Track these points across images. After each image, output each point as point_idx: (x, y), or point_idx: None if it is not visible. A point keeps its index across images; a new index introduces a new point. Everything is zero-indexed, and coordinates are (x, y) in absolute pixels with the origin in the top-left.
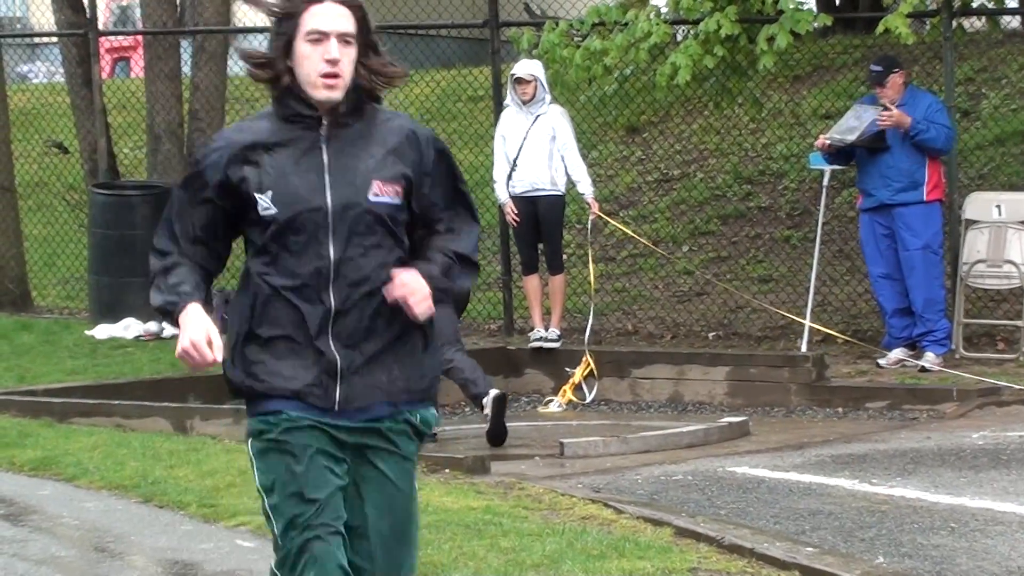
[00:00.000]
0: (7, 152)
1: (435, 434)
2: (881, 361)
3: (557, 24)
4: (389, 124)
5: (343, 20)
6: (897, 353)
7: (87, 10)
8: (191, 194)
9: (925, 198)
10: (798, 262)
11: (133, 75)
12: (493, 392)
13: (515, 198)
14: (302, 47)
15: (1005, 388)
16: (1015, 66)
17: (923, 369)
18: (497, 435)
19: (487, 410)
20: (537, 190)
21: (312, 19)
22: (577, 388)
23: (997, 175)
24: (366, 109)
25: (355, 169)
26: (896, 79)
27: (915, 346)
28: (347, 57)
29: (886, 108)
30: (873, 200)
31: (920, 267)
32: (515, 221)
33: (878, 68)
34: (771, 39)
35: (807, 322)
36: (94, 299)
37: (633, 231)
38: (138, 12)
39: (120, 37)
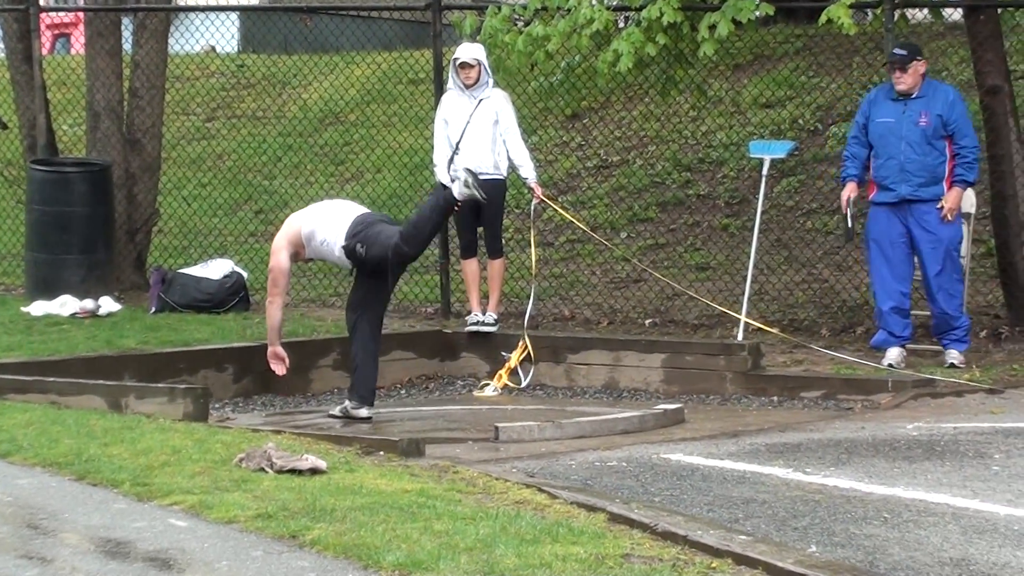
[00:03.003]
0: None
1: (370, 417)
2: (890, 361)
3: (500, 9)
4: None
5: None
6: (898, 352)
7: None
8: None
9: (946, 193)
10: (736, 251)
11: (73, 52)
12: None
13: (456, 182)
14: None
15: (940, 380)
16: (955, 59)
17: (952, 366)
18: None
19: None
20: (480, 174)
21: None
22: (513, 372)
23: None
24: None
25: None
26: (918, 67)
27: (904, 346)
28: None
29: (906, 99)
30: (892, 195)
31: (942, 264)
32: (457, 206)
33: (902, 52)
34: (712, 27)
35: (743, 317)
36: (30, 275)
37: (572, 217)
38: None
39: (61, 13)
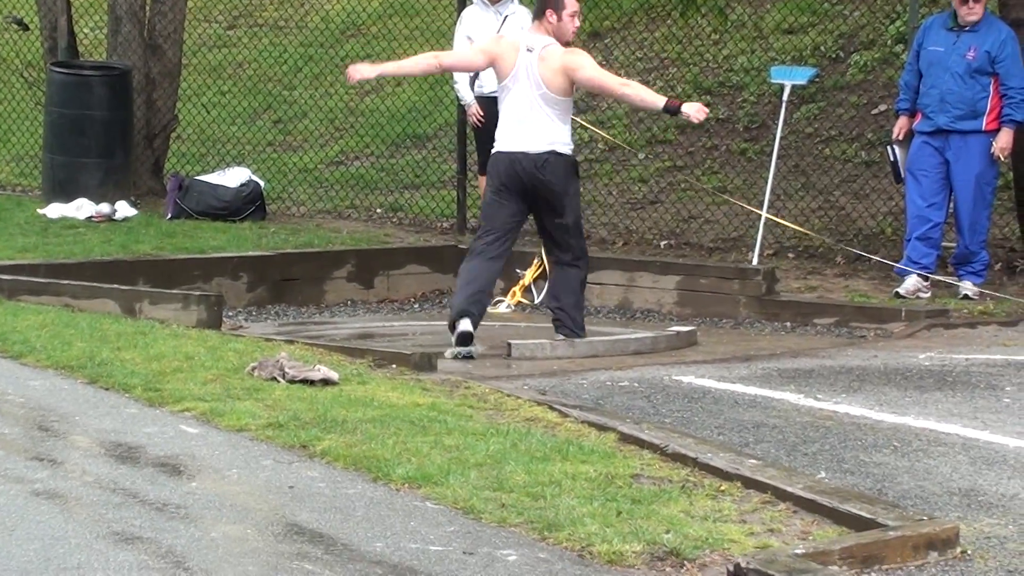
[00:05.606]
0: None
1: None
2: (900, 290)
3: None
4: None
5: None
6: (914, 282)
7: None
8: None
9: (984, 127)
10: (753, 175)
11: None
12: None
13: (479, 98)
14: None
15: (953, 311)
16: None
17: (965, 297)
18: None
19: None
20: None
21: None
22: (527, 290)
23: None
24: None
25: None
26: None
27: (927, 277)
28: None
29: (960, 30)
30: (930, 124)
31: (971, 196)
32: (479, 122)
33: None
34: None
35: (761, 229)
36: (47, 178)
37: (594, 128)
38: None
39: None
